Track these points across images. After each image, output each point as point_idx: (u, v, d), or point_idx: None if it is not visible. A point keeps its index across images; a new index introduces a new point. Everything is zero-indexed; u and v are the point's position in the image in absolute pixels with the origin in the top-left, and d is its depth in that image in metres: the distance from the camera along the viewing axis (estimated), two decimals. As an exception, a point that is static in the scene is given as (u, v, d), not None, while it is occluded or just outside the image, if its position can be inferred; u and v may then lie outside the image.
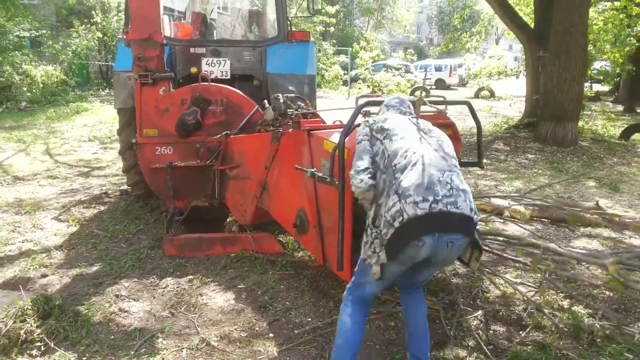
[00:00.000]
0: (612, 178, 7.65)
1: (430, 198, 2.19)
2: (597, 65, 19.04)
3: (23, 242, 4.83)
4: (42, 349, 2.97)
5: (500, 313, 3.45)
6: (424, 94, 3.99)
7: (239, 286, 3.86)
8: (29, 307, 3.16)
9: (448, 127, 3.65)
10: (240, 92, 4.86)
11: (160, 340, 3.13)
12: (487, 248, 4.10)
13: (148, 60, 4.49)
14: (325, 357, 2.96)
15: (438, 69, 30.27)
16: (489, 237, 4.36)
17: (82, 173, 7.78)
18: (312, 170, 3.23)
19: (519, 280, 3.92)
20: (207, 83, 4.78)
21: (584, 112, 12.86)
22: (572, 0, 9.37)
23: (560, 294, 3.66)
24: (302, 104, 4.61)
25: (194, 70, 5.43)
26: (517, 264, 4.12)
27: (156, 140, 4.68)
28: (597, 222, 5.06)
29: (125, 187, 6.30)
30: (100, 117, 13.73)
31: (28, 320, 3.08)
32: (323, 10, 21.94)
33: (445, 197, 2.21)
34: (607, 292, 3.72)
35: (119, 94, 5.33)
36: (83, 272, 4.13)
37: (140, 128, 4.66)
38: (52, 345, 2.99)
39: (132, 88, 4.76)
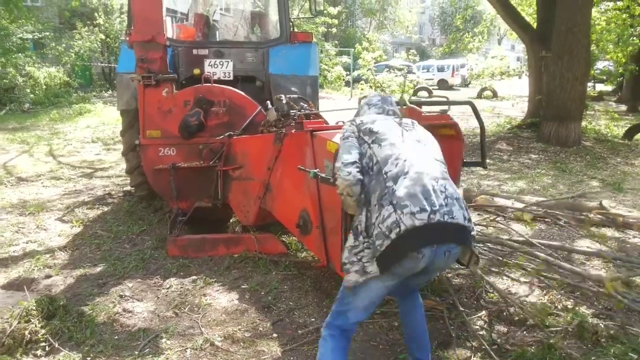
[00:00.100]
0: (615, 178, 7.64)
1: (428, 208, 2.13)
2: (600, 65, 18.99)
3: (27, 243, 4.85)
4: (47, 349, 2.98)
5: (504, 313, 3.44)
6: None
7: (243, 286, 3.86)
8: (34, 308, 3.17)
9: (451, 127, 3.65)
10: (243, 93, 4.87)
11: (164, 340, 3.14)
12: (486, 252, 4.10)
13: (151, 62, 4.50)
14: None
15: (440, 69, 30.21)
16: (489, 243, 4.34)
17: (85, 174, 7.80)
18: (315, 170, 3.22)
19: (521, 279, 3.91)
20: (209, 84, 4.79)
21: (587, 112, 12.83)
22: (575, 0, 9.36)
23: (563, 292, 3.65)
24: (305, 105, 4.61)
25: (196, 71, 5.44)
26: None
27: (159, 141, 4.70)
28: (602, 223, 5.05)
29: (128, 188, 6.31)
30: (103, 118, 13.77)
31: (32, 320, 3.09)
32: (325, 11, 21.98)
33: (442, 206, 2.16)
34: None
35: (122, 96, 5.35)
36: (87, 273, 4.15)
37: (143, 129, 4.68)
38: (56, 345, 3.00)
39: (135, 89, 4.77)
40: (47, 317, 3.18)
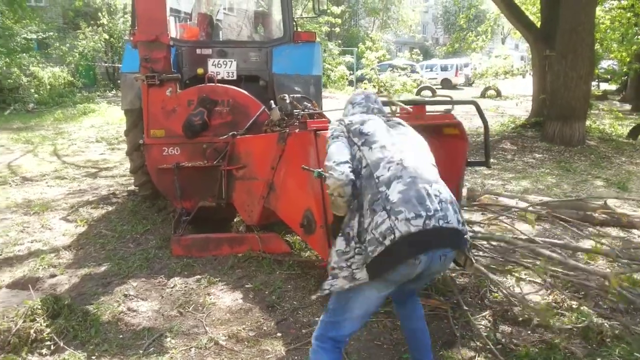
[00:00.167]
0: (620, 177, 7.61)
1: (423, 214, 2.08)
2: (604, 64, 18.94)
3: (32, 242, 4.87)
4: (52, 348, 3.00)
5: (509, 313, 3.44)
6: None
7: (247, 286, 3.87)
8: (39, 307, 3.19)
9: (455, 126, 3.64)
10: (247, 93, 4.88)
11: (168, 339, 3.15)
12: (489, 251, 4.08)
13: (155, 62, 4.52)
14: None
15: (444, 68, 30.15)
16: (491, 241, 4.32)
17: (89, 174, 7.83)
18: (319, 170, 3.22)
19: (527, 279, 3.90)
20: (213, 84, 4.80)
21: (592, 111, 12.78)
22: (579, -1, 9.34)
23: (568, 292, 3.64)
24: (309, 105, 4.61)
25: (200, 71, 5.45)
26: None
27: (163, 141, 4.70)
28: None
29: (132, 187, 6.33)
30: (107, 118, 13.81)
31: (38, 319, 3.11)
32: (328, 11, 21.94)
33: (437, 211, 2.11)
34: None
35: (126, 95, 5.36)
36: (91, 272, 4.16)
37: (147, 129, 4.69)
38: (61, 344, 3.02)
39: (139, 89, 4.79)
40: (52, 316, 3.20)
